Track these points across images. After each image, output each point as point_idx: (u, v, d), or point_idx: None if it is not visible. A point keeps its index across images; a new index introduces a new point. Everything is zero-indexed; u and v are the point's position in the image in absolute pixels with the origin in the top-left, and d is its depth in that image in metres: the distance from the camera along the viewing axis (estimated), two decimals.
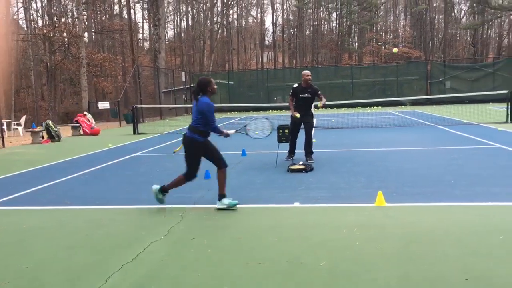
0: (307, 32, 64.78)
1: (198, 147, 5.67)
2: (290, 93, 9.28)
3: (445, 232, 4.46)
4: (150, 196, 6.60)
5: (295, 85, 9.25)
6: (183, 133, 5.83)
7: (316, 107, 9.37)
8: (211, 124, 5.64)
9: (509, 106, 15.93)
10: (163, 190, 5.90)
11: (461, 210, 5.26)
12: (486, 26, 58.20)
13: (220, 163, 5.73)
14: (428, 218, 5.00)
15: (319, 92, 9.18)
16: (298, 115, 8.96)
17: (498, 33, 60.49)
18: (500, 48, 58.30)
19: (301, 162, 8.48)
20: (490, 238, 4.24)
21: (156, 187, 5.94)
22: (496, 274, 3.43)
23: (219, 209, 5.64)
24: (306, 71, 9.23)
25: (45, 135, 16.05)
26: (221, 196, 5.68)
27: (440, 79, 33.96)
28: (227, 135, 6.01)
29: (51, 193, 7.12)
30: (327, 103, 9.48)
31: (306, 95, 9.05)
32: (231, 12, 61.92)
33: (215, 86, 5.76)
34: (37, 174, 9.02)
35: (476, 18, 57.89)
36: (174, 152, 6.33)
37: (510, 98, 16.05)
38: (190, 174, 5.81)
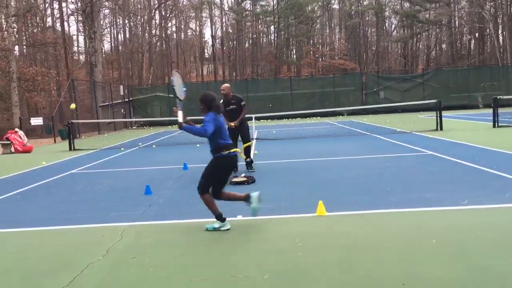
0: (246, 45, 65.51)
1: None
2: None
3: (382, 239, 4.61)
4: (88, 214, 6.40)
5: (221, 101, 9.34)
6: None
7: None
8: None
9: (438, 115, 16.83)
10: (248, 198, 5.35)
11: (396, 217, 5.46)
12: (415, 39, 61.48)
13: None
14: (366, 225, 5.16)
15: (243, 102, 9.40)
16: (232, 124, 9.14)
17: (426, 46, 64.04)
18: (428, 60, 61.77)
19: (243, 175, 8.50)
20: (424, 243, 4.42)
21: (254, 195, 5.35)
22: (431, 277, 3.58)
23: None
24: (222, 85, 9.44)
25: None
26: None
27: (375, 89, 35.36)
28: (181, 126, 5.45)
29: None
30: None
31: (231, 107, 9.28)
32: (169, 25, 61.50)
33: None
34: None
35: (405, 31, 61.05)
36: None
37: (439, 107, 16.99)
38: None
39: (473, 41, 59.84)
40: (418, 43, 64.11)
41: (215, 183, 5.31)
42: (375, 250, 4.28)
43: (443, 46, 64.68)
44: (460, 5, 58.51)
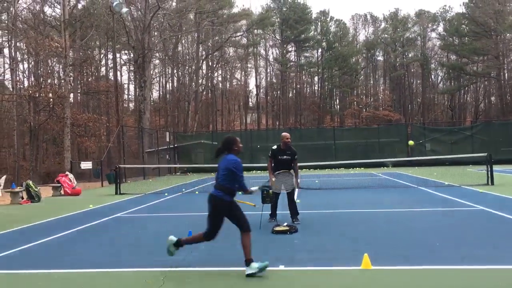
0: (290, 95, 66.35)
1: (224, 206, 5.61)
2: (269, 155, 9.20)
3: None
4: (132, 258, 6.45)
5: (274, 147, 9.22)
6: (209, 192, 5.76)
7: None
8: (240, 182, 5.62)
9: (488, 169, 16.21)
10: (179, 244, 5.88)
11: (447, 274, 5.20)
12: (462, 91, 60.46)
13: (244, 226, 5.59)
14: (415, 281, 4.93)
15: (296, 156, 9.10)
16: (274, 179, 8.83)
17: (474, 98, 62.74)
18: (477, 112, 60.28)
19: (285, 224, 8.39)
20: None
21: (172, 238, 5.90)
22: None
23: (248, 275, 5.23)
24: (286, 133, 9.25)
25: (25, 196, 15.71)
26: (248, 261, 5.35)
27: (420, 141, 34.66)
28: (251, 192, 6.01)
29: (26, 257, 6.87)
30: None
31: (285, 157, 8.99)
32: (216, 74, 63.43)
33: (241, 145, 5.83)
34: (12, 237, 8.73)
35: (452, 83, 60.23)
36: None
37: (489, 160, 16.37)
38: (210, 234, 5.75)
39: None
40: (465, 95, 62.96)
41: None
42: None
43: (492, 98, 63.15)
44: (510, 58, 57.44)
